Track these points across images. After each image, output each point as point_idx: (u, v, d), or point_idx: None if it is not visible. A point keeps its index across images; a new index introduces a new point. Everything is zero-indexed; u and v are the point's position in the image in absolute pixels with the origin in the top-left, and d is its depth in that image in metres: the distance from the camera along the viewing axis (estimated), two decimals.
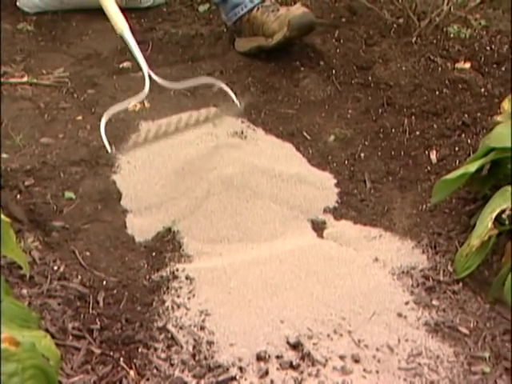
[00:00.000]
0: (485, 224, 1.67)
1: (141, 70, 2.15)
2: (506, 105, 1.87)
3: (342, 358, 1.57)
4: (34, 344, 1.21)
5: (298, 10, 2.37)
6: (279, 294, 1.73)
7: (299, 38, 2.42)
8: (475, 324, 1.66)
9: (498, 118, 1.87)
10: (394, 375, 1.53)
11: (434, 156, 2.15)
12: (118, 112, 2.09)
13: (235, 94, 2.35)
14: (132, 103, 2.13)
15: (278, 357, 1.57)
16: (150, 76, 2.14)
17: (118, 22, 2.17)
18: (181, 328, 1.63)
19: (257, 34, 2.46)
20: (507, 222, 1.68)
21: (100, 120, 2.05)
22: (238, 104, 2.15)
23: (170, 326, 1.63)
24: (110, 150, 1.99)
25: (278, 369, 1.55)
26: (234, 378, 1.53)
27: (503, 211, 1.66)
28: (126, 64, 2.52)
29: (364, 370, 1.54)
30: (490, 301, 1.70)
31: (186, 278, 1.75)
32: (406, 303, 1.71)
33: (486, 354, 1.58)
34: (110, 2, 2.20)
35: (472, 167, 1.79)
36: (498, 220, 1.69)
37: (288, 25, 2.35)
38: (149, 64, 2.51)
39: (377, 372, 1.54)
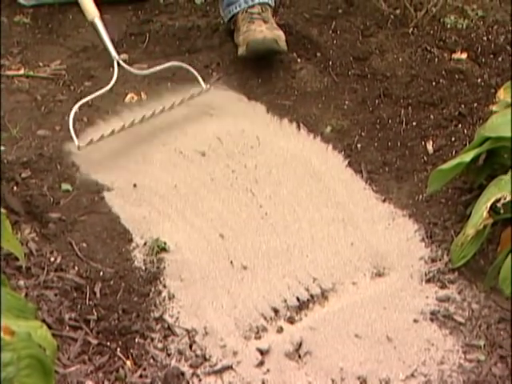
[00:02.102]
0: (480, 213, 1.68)
1: (110, 56, 2.21)
2: (501, 94, 1.87)
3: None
4: (29, 334, 1.21)
5: (260, 33, 2.32)
6: (276, 281, 1.73)
7: (260, 57, 2.37)
8: (471, 312, 1.67)
9: (494, 108, 1.87)
10: (392, 364, 1.54)
11: (430, 146, 2.15)
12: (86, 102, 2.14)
13: (233, 85, 2.37)
14: (99, 93, 2.16)
15: (274, 346, 1.57)
16: (118, 63, 2.20)
17: (89, 10, 2.24)
18: (177, 318, 1.64)
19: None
20: (502, 211, 1.68)
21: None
22: (205, 86, 2.24)
23: (166, 317, 1.64)
24: (76, 142, 2.01)
25: (274, 358, 1.56)
26: (230, 367, 1.54)
27: (498, 200, 1.66)
28: (122, 56, 2.51)
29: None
30: (486, 289, 1.71)
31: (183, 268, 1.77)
32: (402, 291, 1.71)
33: (481, 342, 1.59)
34: None
35: (467, 157, 1.79)
36: (493, 209, 1.69)
37: (247, 46, 2.33)
38: (146, 56, 2.53)
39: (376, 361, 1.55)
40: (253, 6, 2.44)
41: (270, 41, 2.32)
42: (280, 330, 1.62)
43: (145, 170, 2.05)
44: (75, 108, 2.08)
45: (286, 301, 1.69)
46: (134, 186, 1.98)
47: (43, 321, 1.52)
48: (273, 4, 2.51)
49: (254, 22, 2.38)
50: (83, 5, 2.25)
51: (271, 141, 2.17)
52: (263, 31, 2.33)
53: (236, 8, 2.45)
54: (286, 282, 1.74)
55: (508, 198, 1.65)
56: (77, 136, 2.04)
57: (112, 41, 2.24)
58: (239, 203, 1.95)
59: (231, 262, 1.79)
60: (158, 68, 2.29)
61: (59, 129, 2.18)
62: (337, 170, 2.09)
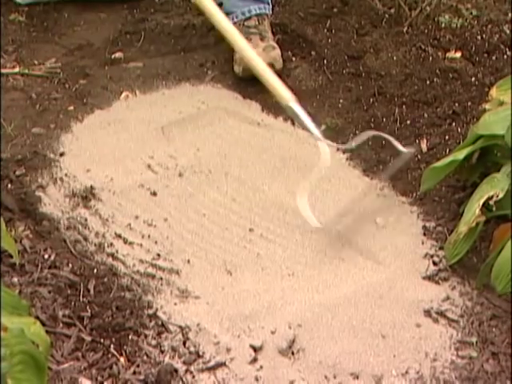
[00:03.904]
0: (472, 211, 1.69)
1: (315, 139, 1.98)
2: (494, 93, 1.88)
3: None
4: (22, 330, 1.21)
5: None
6: (274, 283, 1.74)
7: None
8: (463, 310, 1.67)
9: (486, 106, 1.88)
10: (385, 360, 1.55)
11: (424, 145, 2.15)
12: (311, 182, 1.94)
13: (228, 84, 2.37)
14: (317, 176, 1.94)
15: (267, 343, 1.58)
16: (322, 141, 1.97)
17: (283, 94, 2.01)
18: (171, 315, 1.64)
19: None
20: (494, 209, 1.68)
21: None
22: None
23: (160, 314, 1.64)
24: None
25: (267, 355, 1.56)
26: (223, 364, 1.54)
27: (491, 198, 1.67)
28: (118, 54, 2.53)
29: None
30: (478, 287, 1.71)
31: (177, 265, 1.77)
32: (395, 289, 1.72)
33: (474, 339, 1.60)
34: (271, 76, 2.03)
35: (460, 154, 1.80)
36: (485, 207, 1.70)
37: (243, 69, 2.32)
38: (141, 55, 2.53)
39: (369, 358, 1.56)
40: (249, 18, 2.43)
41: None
42: (273, 326, 1.63)
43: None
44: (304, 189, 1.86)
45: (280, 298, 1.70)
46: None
47: (37, 318, 1.52)
48: (270, 12, 2.49)
49: (250, 40, 2.36)
50: (276, 90, 2.02)
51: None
52: (260, 55, 2.32)
53: (233, 19, 2.44)
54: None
55: (500, 196, 1.66)
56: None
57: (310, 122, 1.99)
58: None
59: (224, 261, 1.80)
60: (359, 140, 2.02)
61: (54, 127, 2.19)
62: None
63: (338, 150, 2.16)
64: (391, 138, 1.98)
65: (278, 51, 2.37)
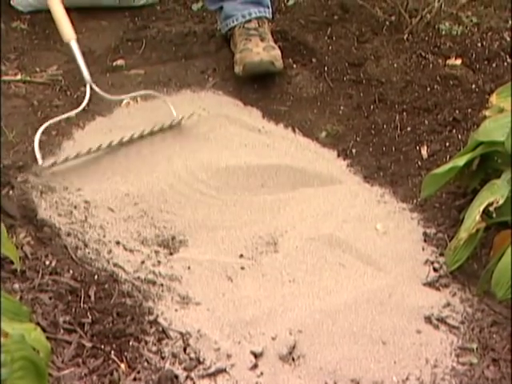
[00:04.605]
0: (473, 217, 1.69)
1: (84, 79, 2.20)
2: (494, 99, 1.88)
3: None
4: (23, 336, 1.22)
5: (257, 55, 2.32)
6: (275, 289, 1.74)
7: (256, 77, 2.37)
8: (464, 316, 1.67)
9: (487, 113, 1.88)
10: (386, 366, 1.55)
11: (424, 151, 2.16)
12: (54, 123, 2.11)
13: (229, 91, 2.38)
14: (69, 114, 2.15)
15: (268, 349, 1.58)
16: (91, 87, 2.19)
17: (66, 31, 2.23)
18: (171, 321, 1.64)
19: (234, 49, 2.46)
20: (495, 215, 1.69)
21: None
22: (176, 116, 2.21)
23: (160, 320, 1.64)
24: (40, 162, 2.01)
25: (268, 361, 1.56)
26: (224, 370, 1.54)
27: (491, 204, 1.67)
28: (119, 62, 2.54)
29: None
30: (479, 293, 1.71)
31: (178, 271, 1.77)
32: (396, 295, 1.72)
33: (474, 346, 1.60)
34: (59, 10, 2.25)
35: (460, 161, 1.80)
36: (486, 213, 1.70)
37: (243, 67, 2.33)
38: (143, 62, 2.54)
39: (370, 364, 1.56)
40: (250, 21, 2.44)
41: (267, 63, 2.33)
42: (274, 332, 1.63)
43: (138, 179, 2.05)
44: (40, 130, 2.07)
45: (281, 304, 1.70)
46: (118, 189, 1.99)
47: (37, 324, 1.52)
48: (270, 16, 2.51)
49: (250, 40, 2.38)
50: (60, 26, 2.24)
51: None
52: (260, 53, 2.33)
53: (233, 22, 2.45)
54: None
55: (500, 202, 1.66)
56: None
57: (86, 64, 2.23)
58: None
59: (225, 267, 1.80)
60: (132, 94, 2.28)
61: (55, 133, 2.19)
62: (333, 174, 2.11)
63: (338, 156, 2.17)
64: (164, 98, 2.22)
65: (278, 51, 2.38)
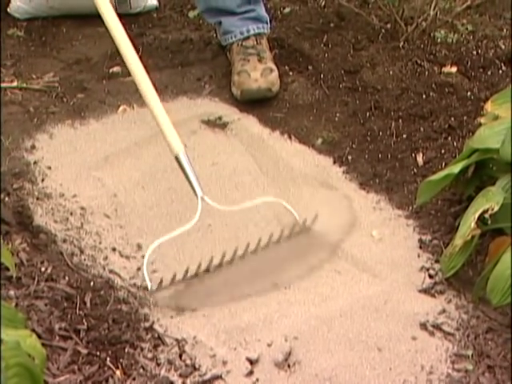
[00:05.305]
0: (468, 224, 1.69)
1: (194, 193, 1.85)
2: (489, 107, 1.89)
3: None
4: (18, 342, 1.21)
5: (255, 83, 2.31)
6: (270, 296, 1.74)
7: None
8: (459, 323, 1.68)
9: (482, 120, 1.89)
10: (381, 373, 1.55)
11: (420, 159, 2.16)
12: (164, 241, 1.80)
13: (225, 98, 2.39)
14: (179, 231, 1.79)
15: (263, 355, 1.58)
16: (202, 199, 1.84)
17: (173, 143, 1.88)
18: (167, 328, 1.64)
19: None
20: (490, 222, 1.69)
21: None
22: (300, 221, 1.93)
23: (156, 326, 1.64)
24: (150, 287, 1.74)
25: (263, 367, 1.56)
26: (219, 377, 1.54)
27: (486, 211, 1.68)
28: (116, 69, 2.54)
29: None
30: (474, 300, 1.72)
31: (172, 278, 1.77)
32: (391, 302, 1.72)
33: (470, 352, 1.60)
34: (167, 123, 1.91)
35: (456, 168, 1.81)
36: (481, 220, 1.70)
37: (241, 93, 2.34)
38: None
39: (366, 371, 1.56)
40: (248, 38, 2.44)
41: (264, 90, 2.33)
42: (269, 339, 1.63)
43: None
44: (151, 248, 1.76)
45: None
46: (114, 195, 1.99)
47: (33, 330, 1.52)
48: (268, 31, 2.50)
49: (248, 61, 2.37)
50: (167, 137, 1.89)
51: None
52: (257, 80, 2.32)
53: (232, 38, 2.45)
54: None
55: (495, 209, 1.67)
56: None
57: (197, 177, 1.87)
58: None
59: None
60: (247, 204, 1.90)
61: None
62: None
63: (334, 163, 2.18)
64: (287, 205, 1.92)
65: (275, 73, 2.37)
